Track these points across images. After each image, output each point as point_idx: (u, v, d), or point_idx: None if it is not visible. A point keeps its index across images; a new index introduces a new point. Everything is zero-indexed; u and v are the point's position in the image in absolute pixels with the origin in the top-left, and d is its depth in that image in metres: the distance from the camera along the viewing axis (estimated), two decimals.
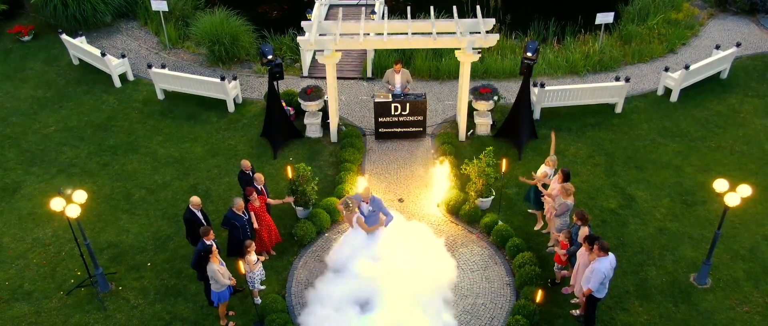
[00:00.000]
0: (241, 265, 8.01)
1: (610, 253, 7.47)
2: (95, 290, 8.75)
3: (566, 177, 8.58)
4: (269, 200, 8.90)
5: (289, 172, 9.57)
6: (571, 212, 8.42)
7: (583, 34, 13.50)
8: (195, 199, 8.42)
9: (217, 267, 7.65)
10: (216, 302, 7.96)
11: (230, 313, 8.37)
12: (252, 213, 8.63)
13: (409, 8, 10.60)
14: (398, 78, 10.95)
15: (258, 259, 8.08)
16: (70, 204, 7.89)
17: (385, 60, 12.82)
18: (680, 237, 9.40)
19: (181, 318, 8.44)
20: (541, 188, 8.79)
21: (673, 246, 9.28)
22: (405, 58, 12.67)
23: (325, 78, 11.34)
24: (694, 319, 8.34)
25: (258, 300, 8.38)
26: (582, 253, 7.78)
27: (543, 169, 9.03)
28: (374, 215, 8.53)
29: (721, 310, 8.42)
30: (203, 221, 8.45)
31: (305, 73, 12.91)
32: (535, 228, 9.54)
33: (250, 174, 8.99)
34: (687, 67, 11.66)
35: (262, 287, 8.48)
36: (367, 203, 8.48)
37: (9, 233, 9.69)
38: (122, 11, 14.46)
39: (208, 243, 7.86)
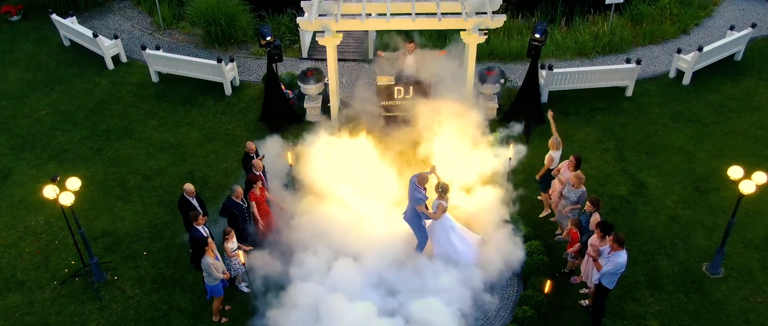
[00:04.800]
0: (241, 255, 7.78)
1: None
2: (90, 280, 8.54)
3: (578, 164, 8.31)
4: (268, 195, 8.61)
5: (289, 158, 9.30)
6: (583, 201, 8.17)
7: (592, 15, 13.07)
8: (188, 186, 8.18)
9: (211, 261, 7.44)
10: (209, 295, 7.77)
11: (226, 308, 8.15)
12: (253, 203, 8.36)
13: None
14: (411, 59, 10.49)
15: (239, 247, 7.83)
16: (64, 191, 7.64)
17: (388, 42, 12.41)
18: (692, 225, 9.17)
19: (178, 309, 8.24)
20: (557, 179, 8.51)
21: (684, 234, 9.05)
22: (407, 39, 12.24)
23: (325, 60, 10.97)
24: (707, 310, 8.16)
25: (244, 288, 8.18)
26: (593, 240, 7.56)
27: (550, 155, 8.72)
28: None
29: (734, 301, 8.24)
30: (199, 209, 8.18)
31: (305, 54, 12.55)
32: (541, 216, 9.31)
33: (255, 156, 8.72)
34: (700, 49, 11.29)
35: (247, 289, 8.20)
36: (425, 188, 7.95)
37: (0, 221, 9.42)
38: None
39: (200, 228, 7.66)
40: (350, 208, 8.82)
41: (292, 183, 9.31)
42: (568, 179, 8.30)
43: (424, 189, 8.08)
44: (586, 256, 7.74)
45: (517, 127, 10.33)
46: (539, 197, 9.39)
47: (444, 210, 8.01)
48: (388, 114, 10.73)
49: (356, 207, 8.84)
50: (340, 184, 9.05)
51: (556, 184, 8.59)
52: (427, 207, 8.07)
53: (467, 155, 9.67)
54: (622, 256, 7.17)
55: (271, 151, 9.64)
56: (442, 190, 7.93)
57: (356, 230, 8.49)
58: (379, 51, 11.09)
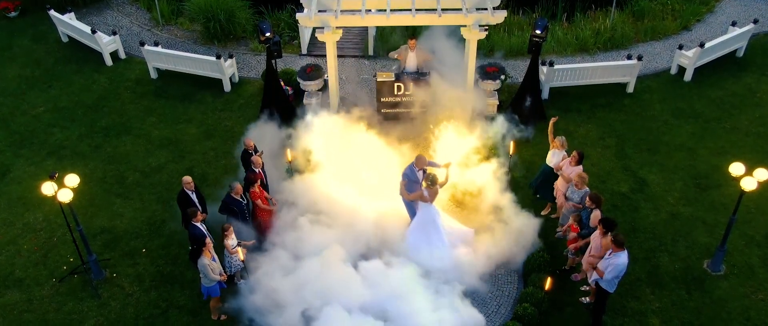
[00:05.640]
0: (241, 252, 7.74)
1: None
2: (89, 277, 8.51)
3: (581, 159, 8.28)
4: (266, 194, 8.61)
5: (288, 155, 9.26)
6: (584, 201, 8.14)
7: (593, 11, 13.00)
8: (187, 179, 8.15)
9: (207, 262, 7.37)
10: (205, 295, 7.72)
11: (225, 305, 8.11)
12: (258, 201, 8.32)
13: None
14: (412, 56, 10.42)
15: (239, 243, 7.80)
16: (62, 188, 7.60)
17: (387, 37, 12.35)
18: (693, 222, 9.12)
19: (177, 306, 8.21)
20: (561, 176, 8.47)
21: (686, 231, 9.01)
22: (407, 33, 12.18)
23: (324, 56, 10.90)
24: (708, 307, 8.12)
25: (242, 283, 8.19)
26: (595, 236, 7.54)
27: (557, 155, 8.65)
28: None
29: (736, 298, 8.21)
30: (197, 203, 8.15)
31: (304, 51, 12.48)
32: (543, 213, 9.25)
33: (254, 152, 8.71)
34: (702, 45, 11.22)
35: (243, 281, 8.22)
36: (423, 170, 8.29)
37: None
38: None
39: (198, 225, 7.63)
40: (346, 190, 8.95)
41: (291, 172, 9.25)
42: (570, 177, 8.27)
43: (421, 171, 8.28)
44: (588, 251, 7.70)
45: (529, 101, 10.36)
46: (539, 195, 9.33)
47: (419, 197, 8.14)
48: (388, 110, 10.68)
49: (352, 189, 8.96)
50: (338, 169, 9.14)
51: (559, 183, 8.54)
52: (407, 189, 8.29)
53: (467, 150, 9.63)
54: (621, 257, 7.12)
55: (267, 135, 9.66)
56: (430, 181, 8.07)
57: (353, 210, 8.66)
58: (391, 53, 11.02)
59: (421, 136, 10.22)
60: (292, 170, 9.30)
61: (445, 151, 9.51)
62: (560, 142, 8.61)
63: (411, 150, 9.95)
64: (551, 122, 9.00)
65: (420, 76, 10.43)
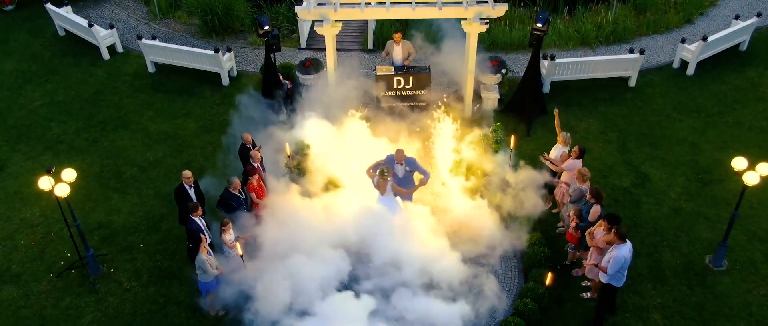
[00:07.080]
0: (239, 248, 7.69)
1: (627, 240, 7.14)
2: (86, 272, 8.46)
3: (581, 154, 8.20)
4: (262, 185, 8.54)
5: (287, 149, 9.19)
6: (576, 198, 8.07)
7: (595, 4, 12.87)
8: (187, 173, 8.11)
9: (205, 258, 7.34)
10: (204, 292, 7.68)
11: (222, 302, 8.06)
12: (253, 194, 8.26)
13: None
14: (398, 49, 10.39)
15: (238, 238, 7.75)
16: (59, 183, 7.54)
17: (387, 31, 12.24)
18: (695, 217, 9.06)
19: (176, 302, 8.16)
20: (555, 169, 8.41)
21: (688, 226, 8.95)
22: (407, 27, 12.07)
23: (324, 50, 10.80)
24: (710, 303, 8.08)
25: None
26: (599, 232, 7.46)
27: (560, 150, 8.58)
28: (410, 176, 8.53)
29: (738, 293, 8.16)
30: (193, 199, 8.10)
31: (303, 44, 12.37)
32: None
33: (252, 147, 8.63)
34: (705, 39, 11.12)
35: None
36: (401, 165, 8.38)
37: None
38: None
39: (197, 220, 7.57)
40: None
41: (291, 175, 9.20)
42: (563, 168, 8.24)
43: (399, 164, 8.47)
44: (590, 251, 7.64)
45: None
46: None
47: (371, 178, 8.35)
48: (387, 104, 10.60)
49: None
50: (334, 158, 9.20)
51: (563, 179, 8.49)
52: (373, 173, 8.46)
53: (468, 146, 9.56)
54: (622, 250, 7.06)
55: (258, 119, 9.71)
56: (380, 174, 8.22)
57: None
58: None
59: (419, 129, 10.12)
60: (293, 170, 9.18)
61: (444, 146, 9.43)
62: (564, 138, 8.54)
63: (406, 142, 9.89)
64: (556, 115, 8.92)
65: (419, 70, 10.35)
